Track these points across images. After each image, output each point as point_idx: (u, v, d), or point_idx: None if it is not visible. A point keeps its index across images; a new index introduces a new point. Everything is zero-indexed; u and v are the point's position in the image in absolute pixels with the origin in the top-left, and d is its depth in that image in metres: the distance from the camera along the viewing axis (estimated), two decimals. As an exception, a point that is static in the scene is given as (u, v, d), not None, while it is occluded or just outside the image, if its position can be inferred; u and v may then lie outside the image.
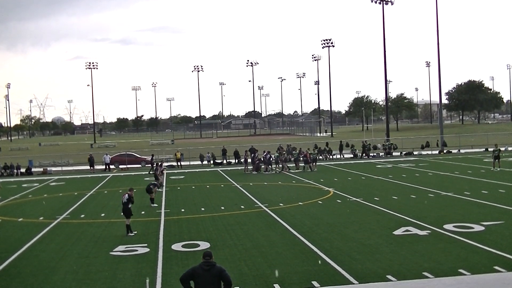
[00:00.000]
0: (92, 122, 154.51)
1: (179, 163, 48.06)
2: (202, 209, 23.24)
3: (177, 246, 16.11)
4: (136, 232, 18.29)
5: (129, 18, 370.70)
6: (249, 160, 40.66)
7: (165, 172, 35.95)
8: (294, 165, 40.63)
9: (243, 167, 41.36)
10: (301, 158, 40.09)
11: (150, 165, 40.33)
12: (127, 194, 18.50)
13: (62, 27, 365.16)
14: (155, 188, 25.75)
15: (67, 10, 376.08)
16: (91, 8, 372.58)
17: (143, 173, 42.25)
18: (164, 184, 33.34)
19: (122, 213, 18.90)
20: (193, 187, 32.15)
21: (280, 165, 39.68)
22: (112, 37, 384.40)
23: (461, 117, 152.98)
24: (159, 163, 34.80)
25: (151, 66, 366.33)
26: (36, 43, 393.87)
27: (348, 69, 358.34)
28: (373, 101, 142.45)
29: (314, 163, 39.72)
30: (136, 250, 15.86)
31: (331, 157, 50.28)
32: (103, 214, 22.76)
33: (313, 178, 33.50)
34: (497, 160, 34.29)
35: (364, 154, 49.81)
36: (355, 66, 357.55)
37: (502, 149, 35.37)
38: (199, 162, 49.81)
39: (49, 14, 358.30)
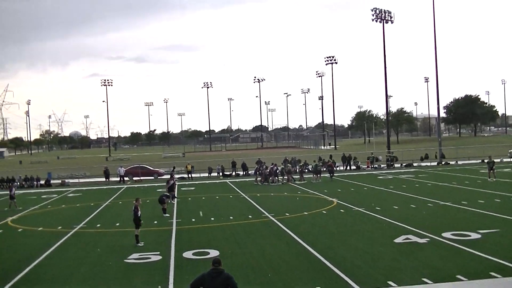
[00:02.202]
0: (107, 136, 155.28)
1: (189, 175, 48.15)
2: (212, 218, 23.24)
3: (188, 254, 16.12)
4: (143, 243, 17.88)
5: (143, 37, 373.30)
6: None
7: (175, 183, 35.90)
8: (299, 176, 40.60)
9: (253, 179, 41.39)
10: (325, 169, 40.54)
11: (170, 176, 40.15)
12: (134, 206, 18.46)
13: (79, 46, 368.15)
14: (167, 199, 25.83)
15: (84, 31, 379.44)
16: (107, 28, 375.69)
17: (156, 184, 42.31)
18: (176, 195, 33.45)
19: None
20: (203, 198, 32.18)
21: (286, 177, 39.65)
22: (126, 55, 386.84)
23: (458, 130, 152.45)
24: (173, 175, 34.84)
25: (163, 83, 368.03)
26: (55, 62, 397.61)
27: (351, 85, 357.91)
28: (374, 115, 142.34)
29: (318, 175, 39.71)
30: (149, 258, 15.88)
31: (335, 168, 50.20)
32: (118, 224, 22.83)
33: (317, 189, 33.44)
34: (491, 171, 34.14)
35: (348, 167, 49.53)
36: (357, 82, 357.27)
37: (497, 160, 35.20)
38: (211, 174, 49.82)
39: (67, 35, 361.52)
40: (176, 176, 48.59)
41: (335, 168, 48.22)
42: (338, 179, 40.84)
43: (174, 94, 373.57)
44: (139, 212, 18.19)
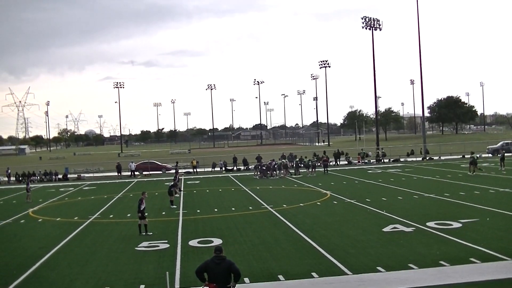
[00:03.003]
0: (119, 134, 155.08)
1: (195, 170, 48.10)
2: (215, 210, 23.25)
3: (193, 242, 16.11)
4: (151, 233, 17.70)
5: (152, 43, 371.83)
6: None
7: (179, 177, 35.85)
8: (294, 171, 40.55)
9: (253, 173, 41.35)
10: (320, 164, 40.47)
11: (174, 171, 40.03)
12: (139, 199, 18.38)
13: (94, 52, 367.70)
14: (175, 188, 25.95)
15: (99, 38, 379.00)
16: (119, 35, 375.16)
17: (164, 178, 42.25)
18: (182, 188, 33.41)
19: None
20: (207, 190, 32.19)
21: (283, 171, 39.64)
22: (137, 60, 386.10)
23: (441, 128, 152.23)
24: (177, 169, 34.76)
25: (170, 85, 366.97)
26: (72, 67, 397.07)
27: (343, 87, 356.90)
28: (364, 115, 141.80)
29: (313, 169, 39.68)
30: (158, 246, 15.88)
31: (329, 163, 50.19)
32: (129, 215, 22.82)
33: (312, 182, 33.44)
34: (472, 165, 34.10)
35: (337, 162, 49.40)
36: (349, 84, 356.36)
37: (478, 155, 35.21)
38: (214, 169, 49.82)
39: (83, 41, 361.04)
40: (182, 170, 48.66)
41: (329, 163, 48.22)
42: (331, 173, 40.81)
43: (180, 95, 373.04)
44: (143, 205, 17.96)
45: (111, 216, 23.04)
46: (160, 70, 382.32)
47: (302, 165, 40.64)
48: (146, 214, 18.23)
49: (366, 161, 51.39)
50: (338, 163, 50.77)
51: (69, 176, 49.05)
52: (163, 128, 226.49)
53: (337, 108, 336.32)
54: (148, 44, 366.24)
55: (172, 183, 26.24)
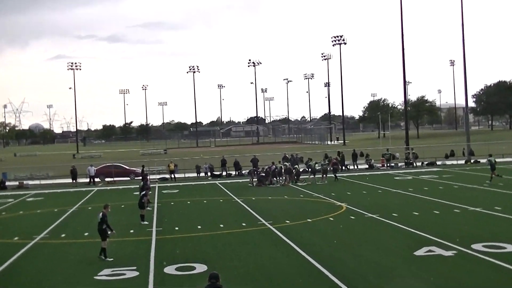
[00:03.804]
0: (75, 130, 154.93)
1: (172, 176, 48.07)
2: (199, 226, 23.21)
3: (170, 269, 16.07)
4: (112, 259, 17.63)
5: (119, 13, 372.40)
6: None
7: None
8: (307, 176, 40.52)
9: (247, 180, 41.36)
10: (330, 168, 40.36)
11: (141, 178, 40.30)
12: (101, 212, 18.29)
13: (42, 23, 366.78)
14: (147, 198, 25.96)
15: (49, 4, 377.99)
16: (77, 1, 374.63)
17: (133, 186, 42.16)
18: (156, 199, 33.32)
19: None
20: (188, 202, 32.13)
21: (285, 177, 39.62)
22: (98, 34, 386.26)
23: (490, 122, 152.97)
24: (146, 174, 34.76)
25: (141, 67, 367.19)
26: (12, 42, 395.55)
27: (362, 69, 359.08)
28: (390, 105, 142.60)
29: (324, 175, 39.73)
30: (124, 274, 15.82)
31: (343, 168, 50.23)
32: (86, 233, 22.73)
33: (323, 192, 33.46)
34: (493, 171, 34.11)
35: (356, 166, 49.30)
36: (370, 66, 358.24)
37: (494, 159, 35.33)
38: (195, 174, 49.84)
39: (28, 9, 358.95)
40: (156, 176, 48.52)
41: (342, 167, 48.27)
42: (347, 180, 40.84)
43: (154, 80, 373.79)
44: (105, 224, 17.91)
45: (63, 235, 22.94)
46: (129, 47, 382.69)
47: (309, 169, 40.62)
48: (109, 233, 18.15)
49: (393, 164, 51.50)
50: (356, 167, 50.81)
51: (7, 183, 48.84)
52: (131, 122, 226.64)
53: (355, 96, 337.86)
54: (113, 13, 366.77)
55: (143, 192, 26.18)
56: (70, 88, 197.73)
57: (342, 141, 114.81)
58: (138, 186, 33.09)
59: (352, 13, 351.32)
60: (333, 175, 40.74)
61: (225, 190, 37.70)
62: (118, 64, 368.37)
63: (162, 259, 17.44)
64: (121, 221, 25.06)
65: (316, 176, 39.73)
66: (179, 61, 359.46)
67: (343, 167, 48.97)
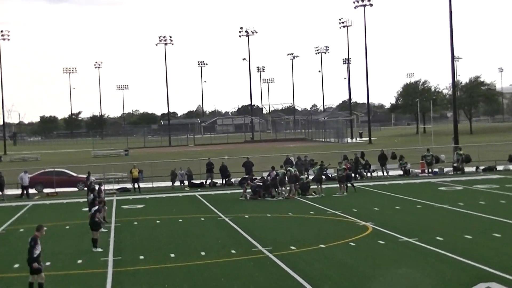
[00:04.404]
0: (1, 123, 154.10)
1: (136, 185, 47.91)
2: (172, 255, 23.15)
3: (132, 313, 16.02)
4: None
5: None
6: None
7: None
8: (317, 186, 40.45)
9: (239, 191, 41.16)
10: (342, 174, 40.21)
11: (86, 189, 40.03)
12: (32, 237, 18.09)
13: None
14: (101, 214, 25.93)
15: None
16: None
17: (81, 200, 41.90)
18: (114, 217, 33.24)
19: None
20: (158, 221, 32.09)
21: (287, 188, 39.56)
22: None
23: None
24: (100, 186, 34.52)
25: (93, 37, 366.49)
26: None
27: (395, 41, 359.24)
28: (433, 89, 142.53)
29: (342, 184, 39.71)
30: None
31: (369, 174, 50.14)
32: (17, 265, 22.55)
33: (341, 207, 33.45)
34: None
35: (356, 175, 48.83)
36: (405, 36, 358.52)
37: None
38: (169, 183, 49.74)
39: None
40: (113, 186, 48.39)
41: (356, 175, 47.99)
42: (374, 190, 40.88)
43: (110, 56, 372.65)
44: (37, 250, 17.69)
45: (-14, 267, 22.83)
46: (75, 9, 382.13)
47: (324, 177, 40.62)
48: (42, 265, 18.01)
49: (436, 170, 51.47)
50: (386, 173, 50.81)
51: None
52: (79, 113, 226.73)
53: (384, 78, 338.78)
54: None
55: (96, 207, 26.08)
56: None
57: (367, 138, 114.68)
58: (87, 199, 32.95)
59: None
60: (350, 185, 40.55)
61: (208, 204, 37.65)
62: (61, 33, 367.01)
63: (122, 299, 17.37)
64: (65, 248, 24.96)
65: (318, 187, 39.55)
66: (144, 30, 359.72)
67: (357, 175, 48.60)
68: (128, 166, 54.22)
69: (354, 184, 41.17)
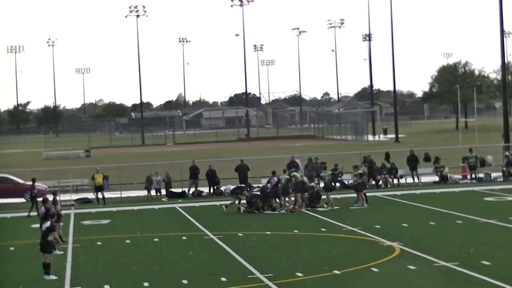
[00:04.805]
0: None
1: (99, 195, 47.90)
2: (146, 284, 23.14)
3: None
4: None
5: None
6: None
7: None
8: (327, 196, 40.54)
9: (229, 202, 41.25)
10: (357, 181, 40.30)
11: (31, 198, 39.98)
12: None
13: None
14: (55, 234, 25.84)
15: None
16: None
17: (32, 213, 41.98)
18: (71, 236, 33.24)
19: None
20: (128, 241, 32.18)
21: (289, 198, 39.59)
22: None
23: None
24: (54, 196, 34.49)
25: (45, 10, 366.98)
26: None
27: (428, 12, 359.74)
28: (476, 73, 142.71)
29: (359, 194, 39.75)
30: None
31: (395, 181, 50.20)
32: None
33: (360, 222, 33.54)
34: None
35: (371, 179, 48.93)
36: (440, 7, 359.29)
37: None
38: (142, 193, 49.76)
39: None
40: (71, 196, 48.37)
41: (371, 180, 48.11)
42: (401, 202, 40.95)
43: (67, 31, 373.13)
44: None
45: None
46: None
47: (338, 184, 40.64)
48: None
49: (481, 175, 51.58)
50: (418, 179, 50.92)
51: None
52: (28, 103, 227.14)
53: (415, 59, 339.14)
54: None
55: (48, 223, 26.05)
56: None
57: (393, 136, 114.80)
58: (37, 213, 32.96)
59: None
60: (375, 193, 40.76)
61: (191, 219, 37.81)
62: (4, 2, 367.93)
63: None
64: (9, 276, 24.94)
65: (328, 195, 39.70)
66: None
67: (373, 180, 48.77)
68: (90, 170, 54.35)
69: (366, 194, 41.16)
